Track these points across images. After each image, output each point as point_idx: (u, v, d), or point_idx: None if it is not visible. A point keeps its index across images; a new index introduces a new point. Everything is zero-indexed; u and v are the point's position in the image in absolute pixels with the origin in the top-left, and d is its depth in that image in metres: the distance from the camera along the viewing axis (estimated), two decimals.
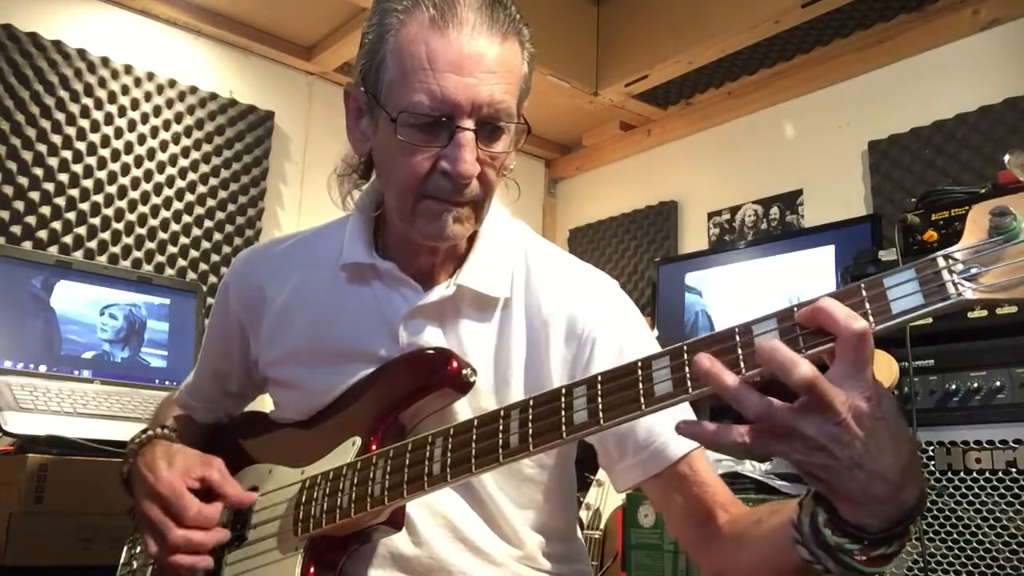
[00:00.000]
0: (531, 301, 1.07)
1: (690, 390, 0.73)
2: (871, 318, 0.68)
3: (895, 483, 0.69)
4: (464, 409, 1.04)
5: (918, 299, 0.67)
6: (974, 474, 1.47)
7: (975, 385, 1.51)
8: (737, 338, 0.72)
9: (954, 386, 1.54)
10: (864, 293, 0.69)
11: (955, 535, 1.47)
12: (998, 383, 1.49)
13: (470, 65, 0.93)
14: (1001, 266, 0.65)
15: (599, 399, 0.79)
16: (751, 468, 1.94)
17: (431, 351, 1.03)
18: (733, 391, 0.69)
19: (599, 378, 0.80)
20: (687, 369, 0.73)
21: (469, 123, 0.94)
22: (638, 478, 1.02)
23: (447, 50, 0.93)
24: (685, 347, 0.75)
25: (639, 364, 0.77)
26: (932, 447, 1.53)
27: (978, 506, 1.46)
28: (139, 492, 1.09)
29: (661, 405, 0.75)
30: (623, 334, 1.06)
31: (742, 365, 0.71)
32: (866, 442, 0.67)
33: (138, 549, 1.23)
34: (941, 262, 0.67)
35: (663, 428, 0.99)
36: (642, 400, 0.76)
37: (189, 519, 1.02)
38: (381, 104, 0.98)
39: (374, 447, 0.99)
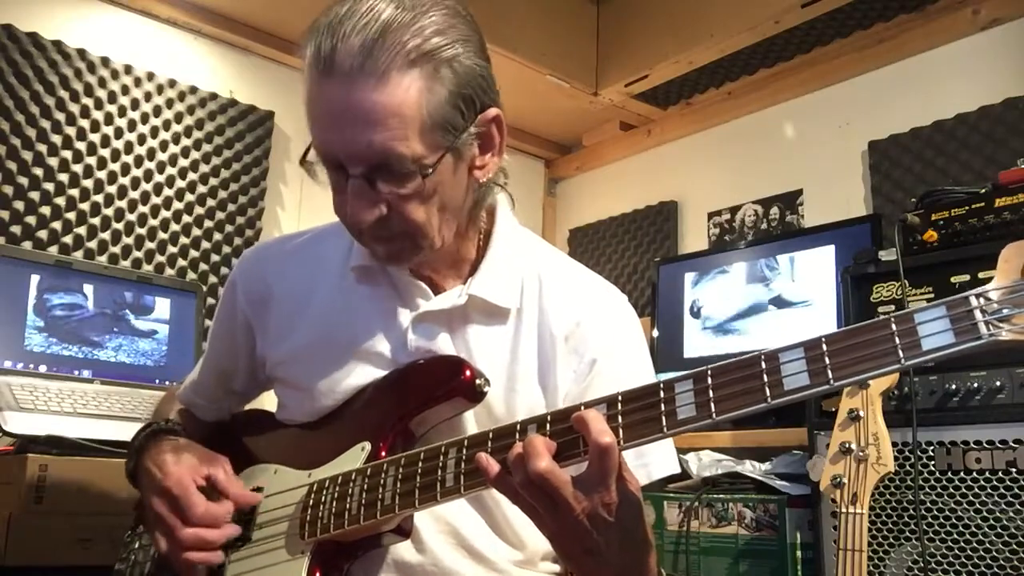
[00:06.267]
0: (543, 317, 1.08)
1: (714, 415, 0.73)
2: (900, 352, 0.68)
3: (620, 571, 0.83)
4: (472, 418, 1.03)
5: (949, 337, 0.66)
6: (974, 474, 1.47)
7: (975, 385, 1.51)
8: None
9: (954, 386, 1.54)
10: (894, 327, 0.68)
11: (955, 535, 1.47)
12: (998, 383, 1.49)
13: (342, 119, 0.89)
14: None
15: (619, 419, 0.78)
16: (751, 468, 1.94)
17: (445, 359, 1.02)
18: (493, 479, 0.82)
19: (619, 397, 0.80)
20: (711, 393, 0.74)
21: (357, 170, 0.92)
22: None
23: (321, 100, 0.90)
24: (709, 371, 0.75)
25: (661, 386, 0.77)
26: (932, 447, 1.53)
27: (978, 506, 1.46)
28: (146, 488, 1.09)
29: (683, 428, 0.76)
30: (621, 367, 1.07)
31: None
32: (598, 539, 0.80)
33: (137, 544, 1.22)
34: (973, 301, 0.66)
35: (652, 448, 1.01)
36: (664, 422, 0.76)
37: (196, 516, 1.02)
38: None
39: (383, 453, 0.98)
